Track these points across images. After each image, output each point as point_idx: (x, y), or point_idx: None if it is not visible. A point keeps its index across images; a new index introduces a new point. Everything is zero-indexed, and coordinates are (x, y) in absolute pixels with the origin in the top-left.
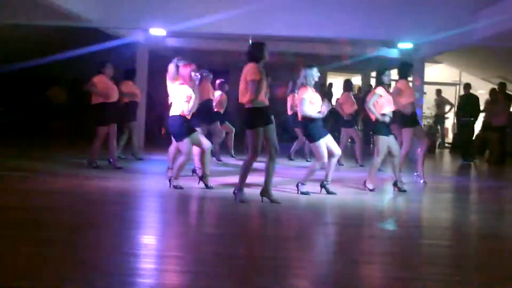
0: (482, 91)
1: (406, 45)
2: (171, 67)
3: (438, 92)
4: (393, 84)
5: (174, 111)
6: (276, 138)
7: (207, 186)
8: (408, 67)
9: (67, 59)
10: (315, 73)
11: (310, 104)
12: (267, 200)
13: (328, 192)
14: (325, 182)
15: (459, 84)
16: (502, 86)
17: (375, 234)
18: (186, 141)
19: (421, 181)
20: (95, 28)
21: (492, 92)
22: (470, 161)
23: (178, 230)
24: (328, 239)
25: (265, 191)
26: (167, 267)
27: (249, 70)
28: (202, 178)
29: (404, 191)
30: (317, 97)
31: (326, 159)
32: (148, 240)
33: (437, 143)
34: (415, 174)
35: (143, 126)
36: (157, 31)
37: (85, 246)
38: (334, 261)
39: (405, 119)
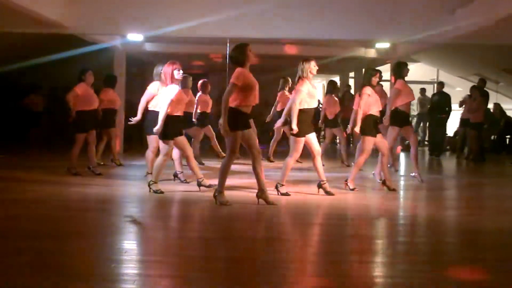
0: (459, 89)
1: (383, 44)
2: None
3: (423, 91)
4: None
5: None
6: (255, 140)
7: (208, 186)
8: (403, 66)
9: (44, 66)
10: (312, 66)
11: (308, 96)
12: (258, 201)
13: (326, 192)
14: (321, 182)
15: (436, 83)
16: (480, 82)
17: (359, 233)
18: (170, 142)
19: (420, 180)
20: (72, 34)
21: (472, 89)
22: (437, 156)
23: (159, 235)
24: (313, 239)
25: (261, 192)
26: (149, 272)
27: (233, 74)
28: (201, 184)
29: (393, 190)
30: (314, 91)
31: (298, 156)
32: (129, 246)
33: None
34: (412, 174)
35: (122, 131)
36: (135, 36)
37: (65, 253)
38: (318, 261)
39: (399, 117)
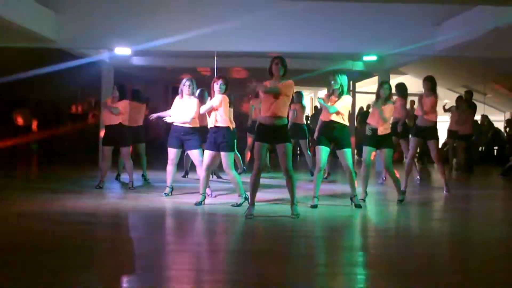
0: (447, 101)
1: (370, 57)
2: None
3: (412, 103)
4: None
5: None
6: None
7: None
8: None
9: (31, 80)
10: None
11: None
12: (239, 214)
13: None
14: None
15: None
16: (467, 94)
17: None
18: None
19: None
20: (60, 48)
21: (458, 100)
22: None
23: (144, 248)
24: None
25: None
26: (129, 285)
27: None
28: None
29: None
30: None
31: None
32: (118, 258)
33: None
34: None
35: None
36: (122, 50)
37: (55, 267)
38: (304, 273)
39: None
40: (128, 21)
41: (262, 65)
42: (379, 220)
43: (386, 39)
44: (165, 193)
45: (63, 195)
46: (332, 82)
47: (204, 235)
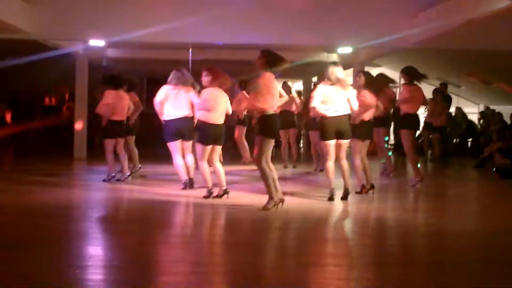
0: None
1: (345, 49)
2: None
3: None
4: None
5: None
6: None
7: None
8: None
9: (5, 71)
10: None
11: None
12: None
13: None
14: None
15: (399, 87)
16: (442, 86)
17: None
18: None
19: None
20: (33, 40)
21: (434, 92)
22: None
23: (123, 240)
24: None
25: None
26: (113, 277)
27: None
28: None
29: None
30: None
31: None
32: (94, 251)
33: None
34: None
35: (84, 136)
36: (97, 42)
37: (29, 261)
38: (283, 265)
39: None
40: (102, 12)
41: (237, 57)
42: (355, 212)
43: (361, 31)
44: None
45: (37, 188)
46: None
47: (183, 226)
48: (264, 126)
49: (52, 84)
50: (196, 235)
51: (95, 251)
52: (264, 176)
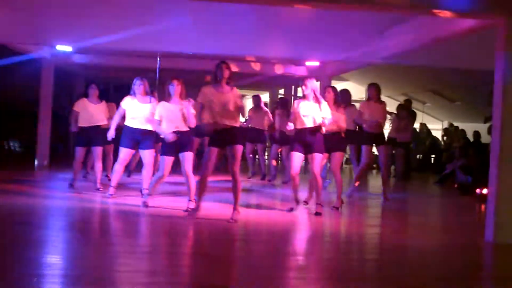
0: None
1: (313, 63)
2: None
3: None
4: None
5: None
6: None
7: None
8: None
9: None
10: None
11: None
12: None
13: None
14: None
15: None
16: (407, 102)
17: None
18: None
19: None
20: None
21: (399, 108)
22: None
23: (83, 249)
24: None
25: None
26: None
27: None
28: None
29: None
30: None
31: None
32: (53, 260)
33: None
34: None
35: (47, 144)
36: (64, 48)
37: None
38: (241, 276)
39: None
40: (70, 17)
41: (205, 67)
42: (319, 226)
43: (329, 45)
44: (110, 194)
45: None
46: (304, 87)
47: (144, 236)
48: None
49: (17, 90)
50: (156, 245)
51: (54, 260)
52: None
